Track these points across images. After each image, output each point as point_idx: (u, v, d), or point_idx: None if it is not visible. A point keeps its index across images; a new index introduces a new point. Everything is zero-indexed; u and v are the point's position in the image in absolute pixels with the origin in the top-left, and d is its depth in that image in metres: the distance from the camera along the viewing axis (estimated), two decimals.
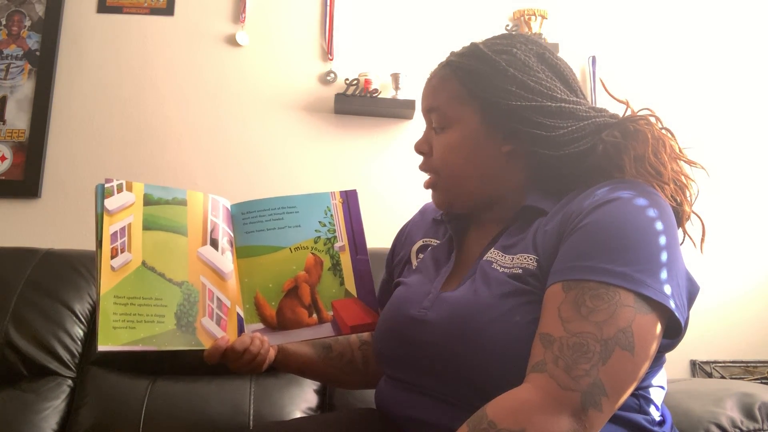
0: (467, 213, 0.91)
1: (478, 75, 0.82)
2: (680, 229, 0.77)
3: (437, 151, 0.87)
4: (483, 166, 0.84)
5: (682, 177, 0.78)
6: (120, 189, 0.87)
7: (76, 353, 1.41)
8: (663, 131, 0.80)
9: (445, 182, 0.87)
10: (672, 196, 0.76)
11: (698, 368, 1.94)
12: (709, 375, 1.93)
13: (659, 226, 0.68)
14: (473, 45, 0.86)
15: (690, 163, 0.80)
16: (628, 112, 0.84)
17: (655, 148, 0.78)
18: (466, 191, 0.86)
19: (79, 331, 1.43)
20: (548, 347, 0.64)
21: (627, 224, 0.68)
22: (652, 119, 0.81)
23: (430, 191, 0.91)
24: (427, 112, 0.89)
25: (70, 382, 1.38)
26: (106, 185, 0.86)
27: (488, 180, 0.85)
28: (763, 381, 1.85)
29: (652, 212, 0.69)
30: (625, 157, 0.77)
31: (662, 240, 0.68)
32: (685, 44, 2.16)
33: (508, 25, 2.11)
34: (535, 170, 0.84)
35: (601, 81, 0.96)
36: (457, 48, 0.89)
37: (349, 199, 1.01)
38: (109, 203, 0.85)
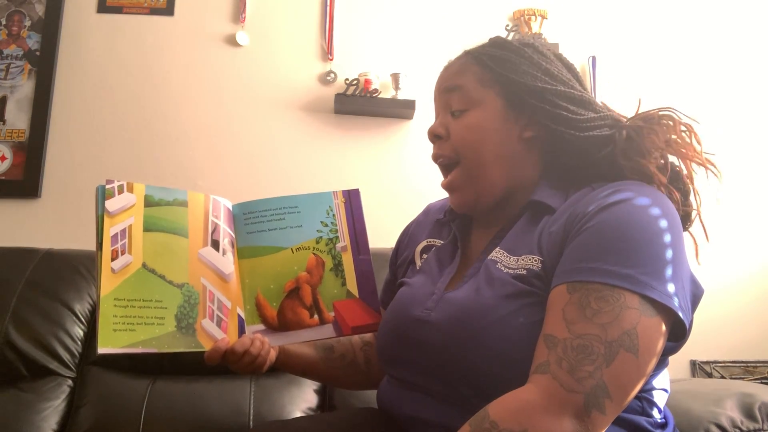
0: (480, 214, 0.88)
1: (502, 60, 0.83)
2: (685, 232, 0.78)
3: (457, 133, 0.84)
4: (503, 151, 0.82)
5: (693, 173, 0.80)
6: (121, 190, 0.87)
7: (76, 353, 1.41)
8: (682, 127, 0.81)
9: (467, 171, 0.84)
10: (683, 189, 0.78)
11: (698, 368, 1.94)
12: (709, 375, 1.93)
13: (664, 229, 0.68)
14: (496, 37, 0.88)
15: (704, 163, 0.80)
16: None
17: (672, 140, 0.79)
18: (489, 180, 0.83)
19: (79, 331, 1.43)
20: (552, 348, 0.64)
21: (632, 226, 0.68)
22: (674, 115, 0.82)
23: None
24: (447, 91, 0.86)
25: (70, 382, 1.38)
26: (107, 186, 0.85)
27: (507, 167, 0.83)
28: (763, 381, 1.85)
29: (657, 215, 0.69)
30: (645, 146, 0.78)
31: (667, 243, 0.67)
32: (685, 44, 2.16)
33: (508, 25, 2.10)
34: (551, 162, 0.84)
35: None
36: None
37: (352, 199, 1.00)
38: (110, 205, 0.84)
